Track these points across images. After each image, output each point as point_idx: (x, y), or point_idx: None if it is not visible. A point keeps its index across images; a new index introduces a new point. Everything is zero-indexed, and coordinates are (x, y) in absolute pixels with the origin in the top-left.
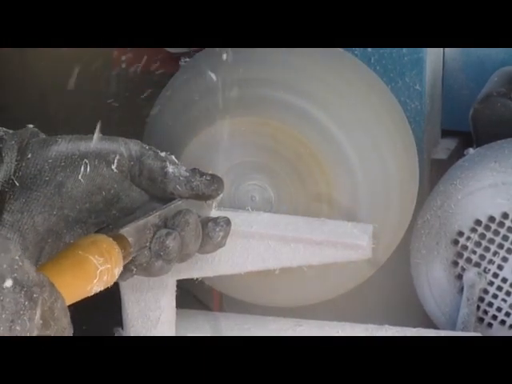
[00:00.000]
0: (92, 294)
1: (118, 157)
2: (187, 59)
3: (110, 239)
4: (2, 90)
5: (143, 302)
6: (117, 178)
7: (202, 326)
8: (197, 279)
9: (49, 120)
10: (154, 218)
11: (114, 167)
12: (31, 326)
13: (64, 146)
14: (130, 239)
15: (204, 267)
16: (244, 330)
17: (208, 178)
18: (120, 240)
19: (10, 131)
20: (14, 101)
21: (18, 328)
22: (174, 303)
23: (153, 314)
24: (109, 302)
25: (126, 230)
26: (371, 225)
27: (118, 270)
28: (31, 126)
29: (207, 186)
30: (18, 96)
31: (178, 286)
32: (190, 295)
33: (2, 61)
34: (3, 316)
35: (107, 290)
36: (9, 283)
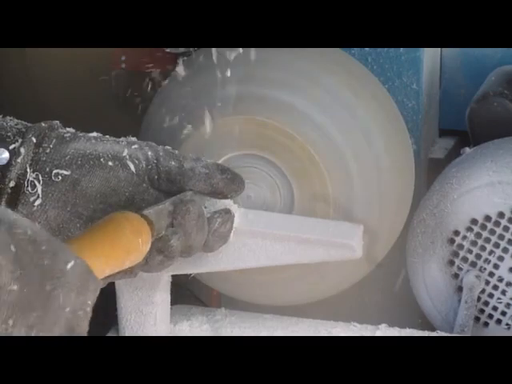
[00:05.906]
0: (124, 267)
1: (134, 160)
2: (185, 58)
3: (140, 217)
4: (2, 90)
5: (137, 297)
6: (133, 181)
7: (198, 323)
8: (190, 275)
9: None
10: (168, 205)
11: (130, 170)
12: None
13: (82, 144)
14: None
15: (197, 263)
16: (240, 328)
17: (229, 177)
18: (146, 219)
19: (29, 124)
20: (14, 101)
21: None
22: (168, 298)
23: (146, 309)
24: (104, 300)
25: (149, 212)
26: (361, 224)
27: (146, 248)
28: (57, 121)
29: (227, 185)
30: (18, 96)
31: (175, 283)
32: (188, 292)
33: (2, 61)
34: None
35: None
36: None
